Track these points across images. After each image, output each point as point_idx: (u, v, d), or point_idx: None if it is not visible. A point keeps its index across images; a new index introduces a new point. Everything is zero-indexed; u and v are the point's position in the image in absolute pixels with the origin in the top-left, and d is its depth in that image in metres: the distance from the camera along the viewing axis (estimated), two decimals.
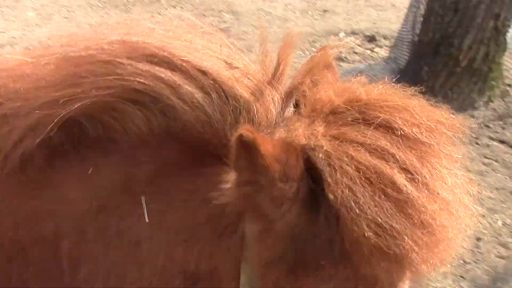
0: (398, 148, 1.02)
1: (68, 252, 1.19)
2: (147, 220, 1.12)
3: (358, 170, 0.99)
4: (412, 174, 1.00)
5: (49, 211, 1.18)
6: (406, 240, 0.96)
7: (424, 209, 0.99)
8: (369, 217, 0.96)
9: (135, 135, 1.17)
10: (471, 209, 1.05)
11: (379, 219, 0.95)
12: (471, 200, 1.06)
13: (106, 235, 1.19)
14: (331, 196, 0.98)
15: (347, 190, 0.96)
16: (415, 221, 0.98)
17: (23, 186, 1.18)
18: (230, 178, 1.13)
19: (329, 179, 0.98)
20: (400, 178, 0.98)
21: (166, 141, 1.17)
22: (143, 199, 1.12)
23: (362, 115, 1.06)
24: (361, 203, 0.96)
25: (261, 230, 1.09)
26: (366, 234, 0.95)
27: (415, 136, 1.03)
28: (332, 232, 1.02)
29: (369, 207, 0.96)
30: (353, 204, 0.96)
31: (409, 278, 1.10)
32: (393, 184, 0.98)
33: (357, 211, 0.95)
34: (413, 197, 0.98)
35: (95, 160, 1.17)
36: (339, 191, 0.97)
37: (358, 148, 1.02)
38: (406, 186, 0.98)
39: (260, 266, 1.10)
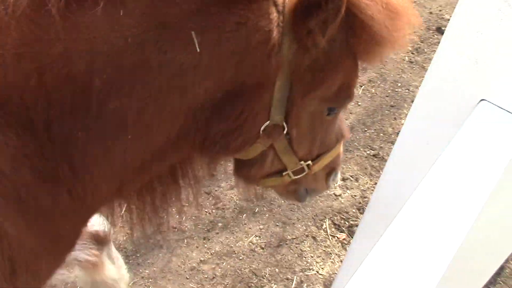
0: None
1: (100, 87, 1.24)
2: (198, 50, 1.27)
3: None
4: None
5: (80, 52, 1.20)
6: (395, 32, 1.45)
7: (403, 18, 1.45)
8: (379, 21, 1.40)
9: None
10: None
11: (384, 21, 1.41)
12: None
13: (145, 68, 1.26)
14: (362, 15, 1.39)
15: (370, 11, 1.38)
16: (399, 23, 1.46)
17: (44, 30, 1.16)
18: (271, 9, 1.34)
19: (363, 5, 1.38)
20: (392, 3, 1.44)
21: None
22: (193, 33, 1.26)
23: None
24: (377, 16, 1.39)
25: (309, 45, 1.39)
26: (376, 30, 1.41)
27: None
28: (346, 36, 1.45)
29: (380, 16, 1.40)
30: (374, 16, 1.39)
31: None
32: (391, 4, 1.43)
33: (375, 19, 1.39)
34: (399, 10, 1.44)
35: (124, 3, 1.21)
36: (368, 12, 1.38)
37: None
38: (395, 6, 1.43)
39: (297, 72, 1.44)
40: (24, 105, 1.20)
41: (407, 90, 4.45)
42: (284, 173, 1.73)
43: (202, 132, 1.45)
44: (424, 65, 4.68)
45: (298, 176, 1.76)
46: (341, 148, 1.91)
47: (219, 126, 1.44)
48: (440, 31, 4.92)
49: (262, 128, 1.50)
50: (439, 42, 1.44)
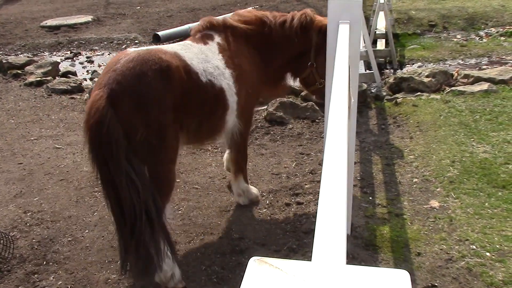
0: None
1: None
2: (296, 41, 5.10)
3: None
4: None
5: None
6: None
7: None
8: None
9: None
10: None
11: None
12: None
13: (288, 43, 5.34)
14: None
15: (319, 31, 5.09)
16: None
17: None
18: (313, 34, 5.15)
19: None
20: None
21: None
22: (295, 39, 5.21)
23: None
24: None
25: (317, 40, 5.11)
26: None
27: None
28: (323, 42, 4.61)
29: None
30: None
31: None
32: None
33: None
34: None
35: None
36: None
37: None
38: None
39: (315, 46, 5.09)
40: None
41: None
42: (316, 83, 5.11)
43: (294, 63, 5.15)
44: None
45: (321, 86, 4.92)
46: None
47: (298, 61, 5.12)
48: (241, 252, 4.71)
49: (309, 63, 5.01)
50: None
